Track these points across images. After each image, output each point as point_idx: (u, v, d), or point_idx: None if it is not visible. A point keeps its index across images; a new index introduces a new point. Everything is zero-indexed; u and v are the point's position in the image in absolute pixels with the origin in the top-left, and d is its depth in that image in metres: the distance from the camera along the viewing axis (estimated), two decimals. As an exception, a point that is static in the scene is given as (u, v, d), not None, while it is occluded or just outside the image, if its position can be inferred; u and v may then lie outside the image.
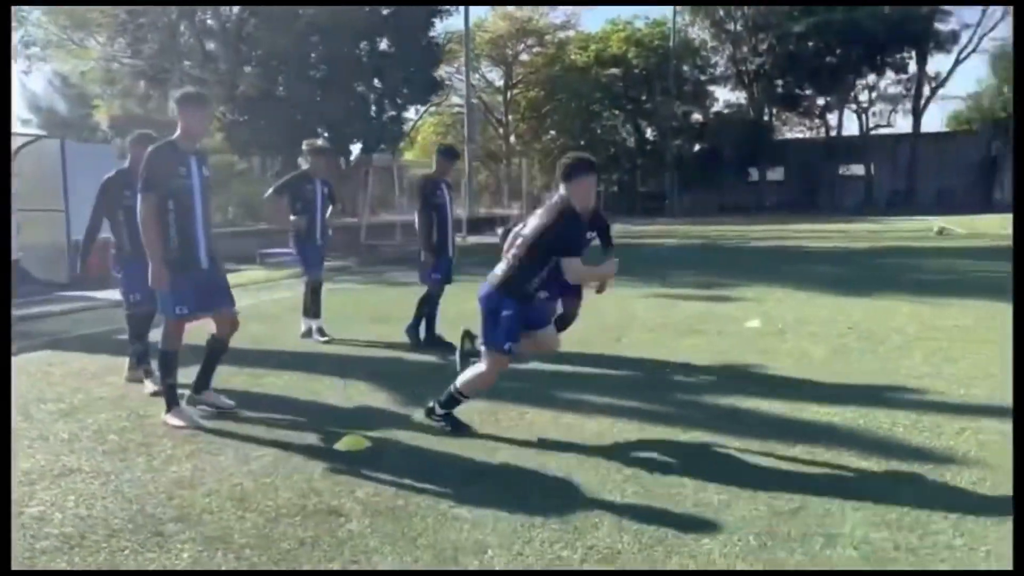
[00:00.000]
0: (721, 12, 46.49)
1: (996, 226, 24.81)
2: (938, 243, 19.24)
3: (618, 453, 4.19)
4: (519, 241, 4.42)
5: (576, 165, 4.40)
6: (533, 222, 4.41)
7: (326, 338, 7.50)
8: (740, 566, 2.95)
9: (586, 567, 2.98)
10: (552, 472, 3.97)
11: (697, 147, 46.76)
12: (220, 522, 3.39)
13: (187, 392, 5.03)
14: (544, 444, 4.38)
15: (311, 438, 4.53)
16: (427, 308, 7.11)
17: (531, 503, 3.53)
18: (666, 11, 46.54)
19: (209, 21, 24.38)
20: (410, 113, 32.48)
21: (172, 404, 4.84)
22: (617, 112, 46.92)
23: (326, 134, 23.76)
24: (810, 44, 43.85)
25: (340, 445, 4.35)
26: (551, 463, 4.08)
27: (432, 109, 36.51)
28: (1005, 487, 3.60)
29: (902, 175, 45.07)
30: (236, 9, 23.96)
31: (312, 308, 7.63)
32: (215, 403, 5.03)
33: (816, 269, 13.48)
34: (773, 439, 4.34)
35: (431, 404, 4.72)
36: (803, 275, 12.42)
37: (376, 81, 26.80)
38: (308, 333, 7.64)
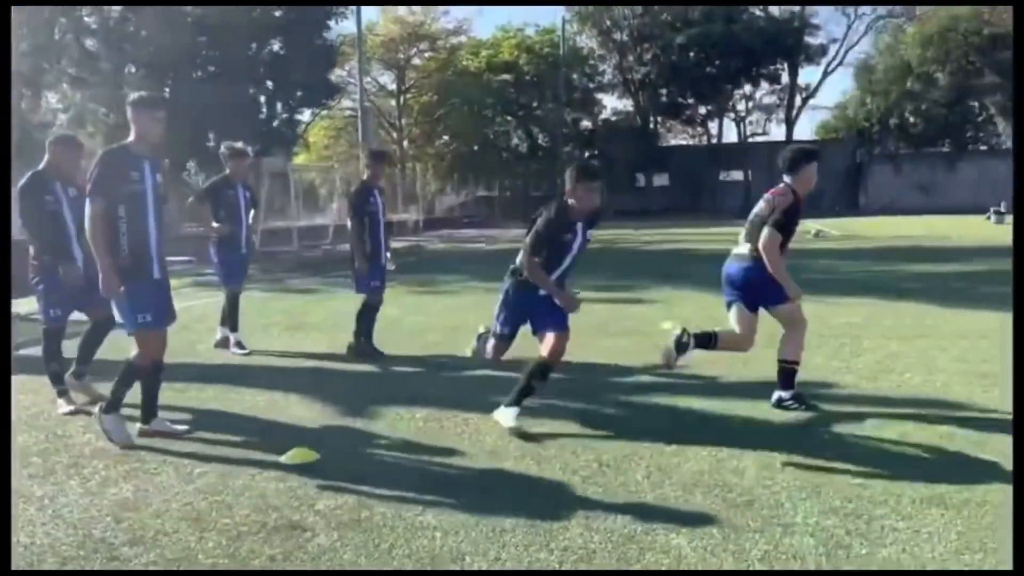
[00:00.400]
0: (608, 22, 47.82)
1: (866, 228, 26.59)
2: (816, 245, 20.43)
3: (571, 455, 4.28)
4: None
5: (800, 155, 5.09)
6: None
7: (245, 351, 7.27)
8: (711, 560, 3.08)
9: (565, 568, 3.04)
10: (511, 477, 4.02)
11: (587, 153, 47.86)
12: (179, 543, 3.26)
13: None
14: (496, 450, 4.42)
15: (254, 453, 4.40)
16: (367, 317, 7.03)
17: (497, 508, 3.56)
18: (555, 19, 47.50)
19: (87, 18, 23.02)
20: (304, 116, 31.75)
21: (112, 409, 4.53)
22: (509, 118, 47.44)
23: (215, 138, 22.92)
24: (691, 55, 45.73)
25: (287, 458, 4.25)
26: (508, 467, 4.13)
27: (323, 113, 35.80)
28: (931, 472, 3.91)
29: (777, 180, 47.47)
30: (118, 7, 22.76)
31: (230, 320, 7.37)
32: (169, 432, 4.72)
33: (714, 270, 13.96)
34: (713, 436, 4.54)
35: (778, 395, 5.03)
36: (703, 276, 12.89)
37: (269, 83, 26.06)
38: (223, 343, 7.38)
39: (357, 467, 4.17)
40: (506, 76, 44.90)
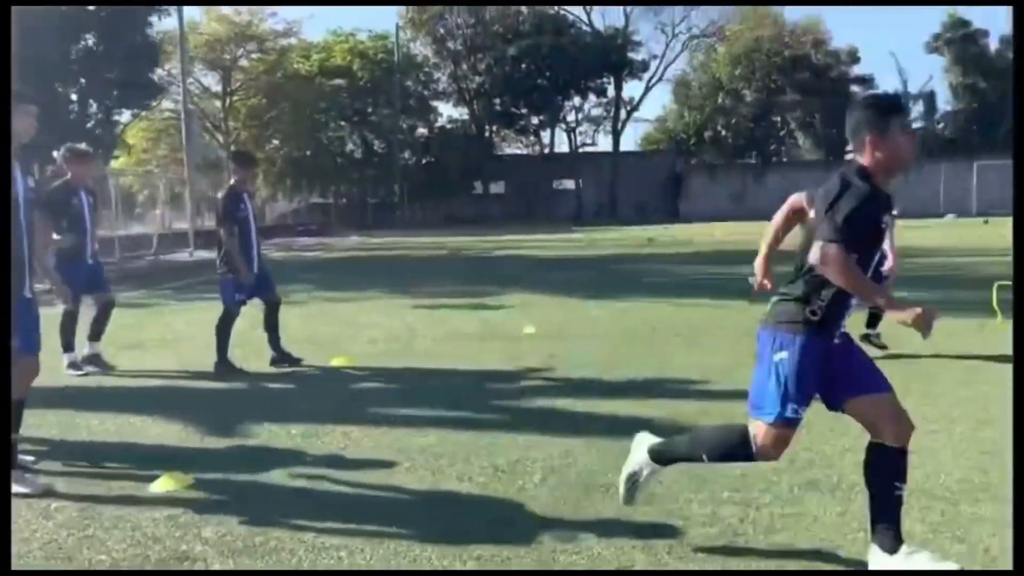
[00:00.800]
0: (442, 30, 48.09)
1: (690, 234, 28.30)
2: (652, 250, 21.51)
3: (465, 463, 4.23)
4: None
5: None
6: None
7: (81, 371, 6.65)
8: (623, 559, 3.14)
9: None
10: (406, 489, 3.91)
11: (424, 160, 47.83)
12: (51, 588, 2.91)
13: None
14: (385, 462, 4.29)
15: (115, 482, 4.02)
16: (227, 330, 6.62)
17: (398, 522, 3.46)
18: (389, 25, 47.18)
19: None
20: (124, 117, 29.46)
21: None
22: (343, 123, 46.54)
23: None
24: (523, 66, 46.87)
25: (157, 487, 3.91)
26: (401, 480, 4.02)
27: (143, 114, 33.48)
28: (799, 458, 4.18)
29: (606, 189, 49.63)
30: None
31: (68, 339, 6.71)
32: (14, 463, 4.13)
33: (562, 276, 14.46)
34: (601, 435, 4.64)
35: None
36: (553, 282, 13.27)
37: (82, 80, 24.01)
38: (93, 360, 6.77)
39: (238, 490, 3.91)
40: (339, 81, 44.00)
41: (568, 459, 4.27)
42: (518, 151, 51.68)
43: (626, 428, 4.76)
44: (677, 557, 3.13)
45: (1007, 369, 6.01)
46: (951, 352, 6.72)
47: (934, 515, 3.44)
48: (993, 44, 49.61)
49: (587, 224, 41.11)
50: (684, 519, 3.48)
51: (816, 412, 4.96)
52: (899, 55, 76.55)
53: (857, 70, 49.79)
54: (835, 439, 4.49)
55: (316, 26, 70.37)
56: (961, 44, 48.99)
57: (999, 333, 7.45)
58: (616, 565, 3.07)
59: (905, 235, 24.56)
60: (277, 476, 4.12)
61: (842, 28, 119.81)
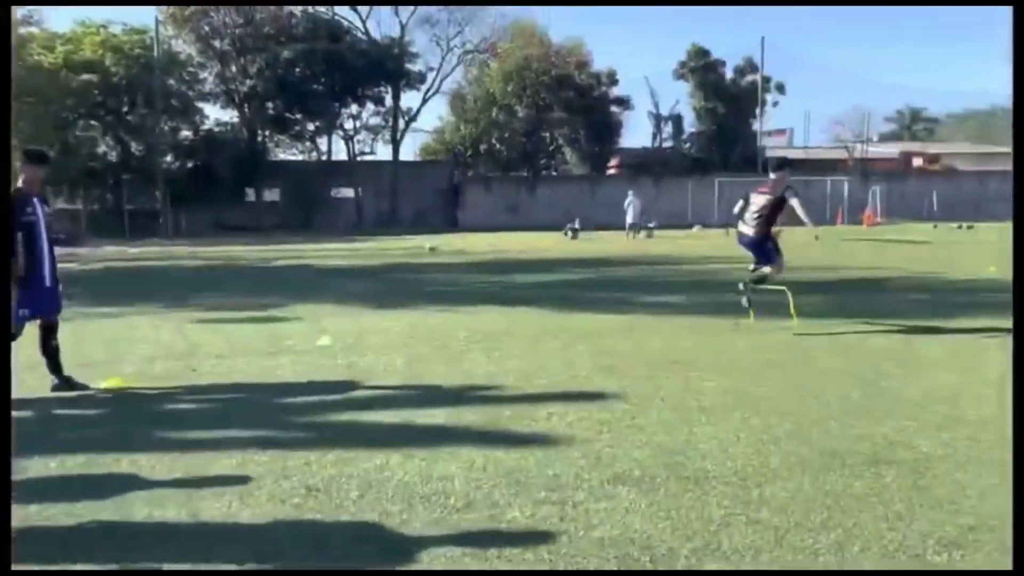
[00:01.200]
0: (207, 28, 45.39)
1: (469, 244, 28.91)
2: (435, 259, 21.70)
3: (275, 484, 4.03)
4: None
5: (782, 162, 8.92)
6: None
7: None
8: (456, 568, 3.15)
9: None
10: (206, 517, 3.65)
11: (190, 164, 44.81)
12: None
13: None
14: (186, 489, 3.97)
15: None
16: (52, 346, 6.00)
17: (201, 553, 3.23)
18: (147, 19, 43.73)
19: None
20: None
21: None
22: (95, 122, 42.41)
23: None
24: (297, 70, 45.47)
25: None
26: (208, 508, 3.75)
27: None
28: (603, 454, 4.43)
29: (386, 198, 49.42)
30: None
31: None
32: None
33: (349, 285, 14.16)
34: (408, 445, 4.60)
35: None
36: (341, 292, 12.97)
37: None
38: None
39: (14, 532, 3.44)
40: (89, 76, 40.06)
41: (385, 472, 4.21)
42: (294, 157, 49.98)
43: (442, 436, 4.80)
44: (507, 560, 3.20)
45: (761, 357, 6.77)
46: (709, 349, 7.41)
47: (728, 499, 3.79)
48: (728, 73, 55.57)
49: (368, 233, 40.66)
50: (507, 522, 3.55)
51: (614, 411, 5.30)
52: (651, 79, 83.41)
53: (616, 91, 53.55)
54: (633, 435, 4.80)
55: (61, 16, 63.65)
56: (703, 72, 54.43)
57: (752, 330, 8.36)
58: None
59: (663, 245, 26.66)
60: (58, 514, 3.68)
61: (602, 52, 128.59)
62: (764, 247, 8.77)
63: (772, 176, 8.77)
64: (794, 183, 8.89)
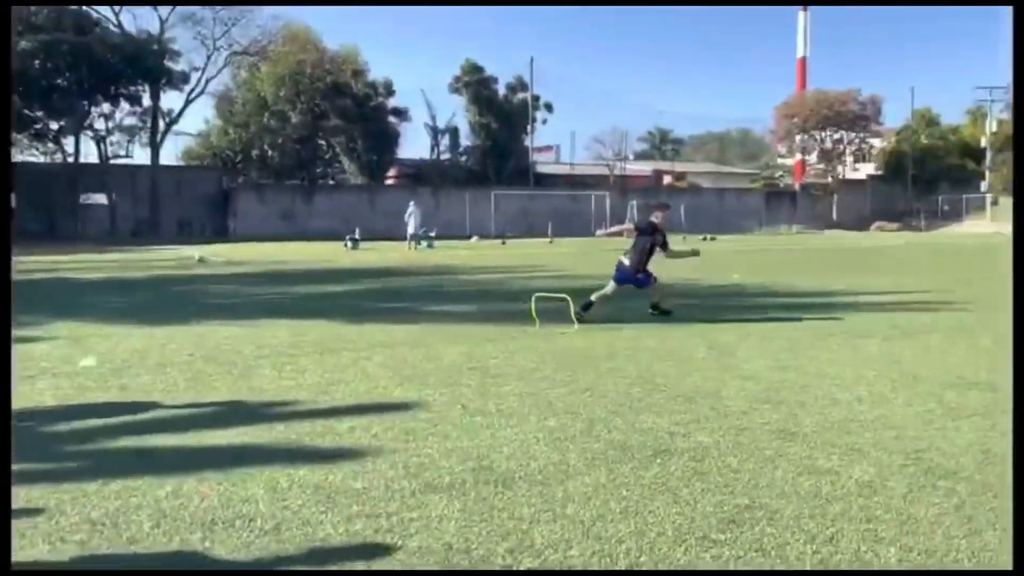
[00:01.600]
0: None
1: (242, 253, 27.57)
2: (206, 271, 20.44)
3: (46, 523, 3.62)
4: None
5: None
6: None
7: None
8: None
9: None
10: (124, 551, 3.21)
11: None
12: None
13: None
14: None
15: None
16: None
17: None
18: None
19: None
20: None
21: None
22: None
23: None
24: (37, 63, 41.04)
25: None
26: (102, 545, 3.28)
27: None
28: (409, 463, 4.44)
29: (145, 205, 45.86)
30: None
31: None
32: None
33: (114, 300, 12.97)
34: (200, 468, 4.33)
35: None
36: (104, 307, 11.86)
37: None
38: None
39: None
40: None
41: (177, 500, 3.92)
42: (34, 159, 44.84)
43: (239, 457, 4.56)
44: (324, 579, 3.11)
45: (550, 361, 7.12)
46: (502, 355, 7.69)
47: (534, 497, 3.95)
48: (501, 90, 57.68)
49: (124, 242, 37.49)
50: (321, 540, 3.46)
51: (417, 420, 5.33)
52: (428, 92, 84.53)
53: (394, 102, 53.68)
54: (438, 442, 4.86)
55: None
56: (477, 87, 56.08)
57: (538, 336, 8.77)
58: (265, 599, 2.94)
59: (443, 255, 27.16)
60: None
61: (378, 61, 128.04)
62: (637, 277, 10.28)
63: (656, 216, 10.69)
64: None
